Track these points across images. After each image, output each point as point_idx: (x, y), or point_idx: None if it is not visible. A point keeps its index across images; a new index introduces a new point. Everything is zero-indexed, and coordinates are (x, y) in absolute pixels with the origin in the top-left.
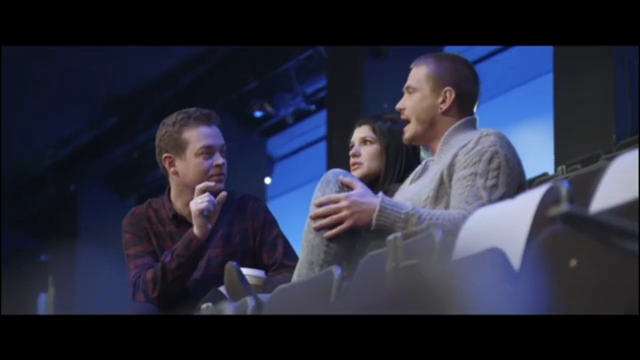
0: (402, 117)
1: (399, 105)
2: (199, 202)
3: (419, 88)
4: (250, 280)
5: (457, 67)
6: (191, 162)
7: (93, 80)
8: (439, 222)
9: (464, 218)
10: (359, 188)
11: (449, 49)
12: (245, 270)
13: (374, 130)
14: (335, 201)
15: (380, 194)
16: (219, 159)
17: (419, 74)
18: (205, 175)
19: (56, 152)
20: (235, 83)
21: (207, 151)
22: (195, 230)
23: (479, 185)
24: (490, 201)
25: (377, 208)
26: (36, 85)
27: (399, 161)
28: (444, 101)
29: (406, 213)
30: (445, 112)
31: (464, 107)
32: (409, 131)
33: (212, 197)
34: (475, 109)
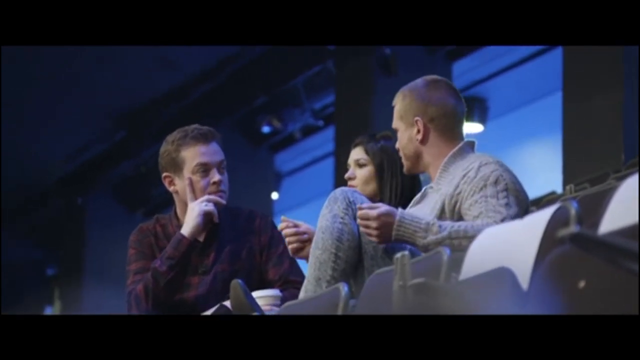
0: (400, 154)
1: (396, 145)
2: (204, 205)
3: (397, 127)
4: (266, 301)
5: (422, 94)
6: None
7: (102, 94)
8: (461, 230)
9: (488, 226)
10: (384, 207)
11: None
12: (260, 292)
13: (366, 152)
14: (367, 218)
15: (399, 208)
16: (216, 176)
17: (395, 113)
18: (203, 193)
19: (64, 166)
20: (243, 98)
21: (203, 169)
22: (187, 230)
23: (494, 204)
24: (510, 216)
25: (396, 220)
26: (44, 99)
27: (394, 179)
28: (418, 131)
29: (426, 223)
30: (424, 141)
31: (443, 129)
32: (404, 166)
33: (214, 204)
34: (461, 127)
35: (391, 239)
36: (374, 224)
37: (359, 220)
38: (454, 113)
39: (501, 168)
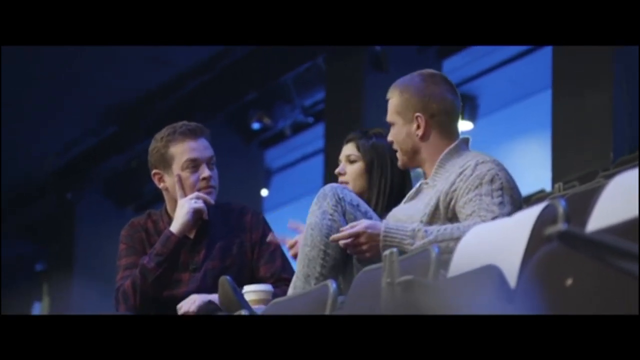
0: (394, 147)
1: (389, 138)
2: (194, 202)
3: (394, 121)
4: (258, 296)
5: (422, 90)
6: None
7: (93, 89)
8: (447, 232)
9: (475, 226)
10: (365, 221)
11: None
12: (252, 287)
13: (357, 148)
14: (355, 235)
15: (385, 220)
16: (205, 172)
17: (391, 107)
18: (192, 190)
19: (54, 161)
20: (233, 95)
21: (193, 164)
22: (176, 227)
23: (487, 202)
24: (503, 215)
25: (382, 230)
26: (36, 94)
27: (382, 178)
28: (418, 127)
29: (412, 230)
30: (424, 138)
31: (442, 125)
32: (399, 160)
33: (203, 201)
34: (457, 123)
35: (380, 250)
36: (362, 238)
37: (345, 241)
38: (453, 109)
39: (497, 167)
